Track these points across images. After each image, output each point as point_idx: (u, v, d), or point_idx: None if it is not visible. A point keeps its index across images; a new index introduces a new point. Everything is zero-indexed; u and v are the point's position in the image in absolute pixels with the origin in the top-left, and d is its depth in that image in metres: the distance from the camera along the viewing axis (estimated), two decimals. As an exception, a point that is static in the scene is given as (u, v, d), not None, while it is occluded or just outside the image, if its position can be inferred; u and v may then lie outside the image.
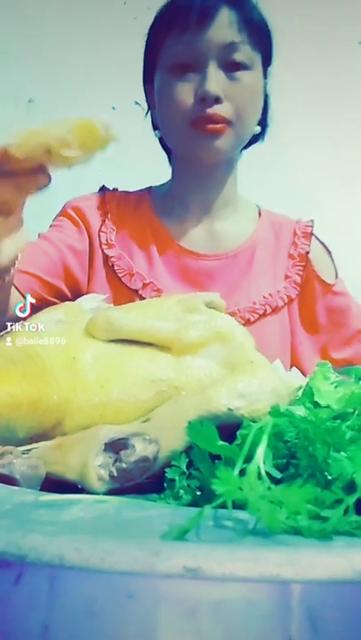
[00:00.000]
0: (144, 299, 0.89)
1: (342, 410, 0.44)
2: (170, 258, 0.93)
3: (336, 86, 1.56)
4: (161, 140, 0.98)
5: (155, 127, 0.96)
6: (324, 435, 0.38)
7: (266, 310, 0.92)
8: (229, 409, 0.46)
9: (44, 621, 0.31)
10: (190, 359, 0.53)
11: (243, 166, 0.97)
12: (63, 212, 0.97)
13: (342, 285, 0.99)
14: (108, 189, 1.00)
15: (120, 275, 0.92)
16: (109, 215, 0.95)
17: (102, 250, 0.93)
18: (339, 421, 0.41)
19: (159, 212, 0.97)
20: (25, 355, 0.52)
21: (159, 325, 0.55)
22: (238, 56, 0.83)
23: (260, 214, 1.00)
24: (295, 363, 0.95)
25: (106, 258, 0.93)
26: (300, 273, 0.95)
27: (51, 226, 0.97)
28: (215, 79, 0.82)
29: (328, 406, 0.45)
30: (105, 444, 0.44)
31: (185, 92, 0.84)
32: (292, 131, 1.45)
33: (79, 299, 0.65)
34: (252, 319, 0.90)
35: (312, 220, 1.00)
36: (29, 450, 0.47)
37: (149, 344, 0.54)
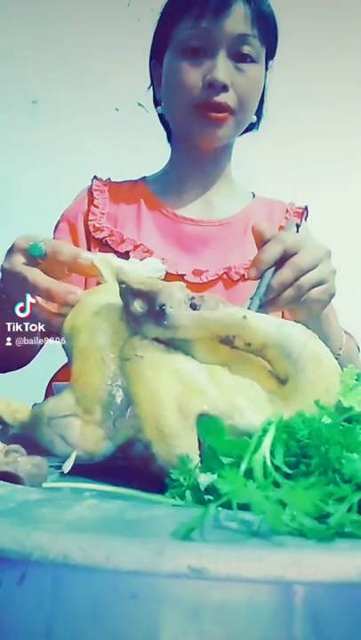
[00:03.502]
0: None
1: (356, 411, 0.44)
2: (165, 224, 0.97)
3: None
4: (161, 117, 1.02)
5: (156, 103, 1.00)
6: (337, 435, 0.39)
7: None
8: None
9: (47, 621, 0.31)
10: None
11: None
12: (59, 226, 1.01)
13: None
14: (99, 179, 1.04)
15: (112, 245, 0.95)
16: (96, 201, 0.99)
17: (94, 237, 0.97)
18: (353, 422, 0.42)
19: (154, 189, 1.01)
20: None
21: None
22: (247, 48, 0.88)
23: (253, 197, 1.05)
24: None
25: (99, 241, 0.96)
26: None
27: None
28: (224, 68, 0.86)
29: (351, 408, 0.45)
30: None
31: (193, 76, 0.87)
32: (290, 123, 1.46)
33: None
34: (247, 275, 0.92)
35: (306, 206, 1.03)
36: None
37: None
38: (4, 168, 1.56)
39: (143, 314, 0.49)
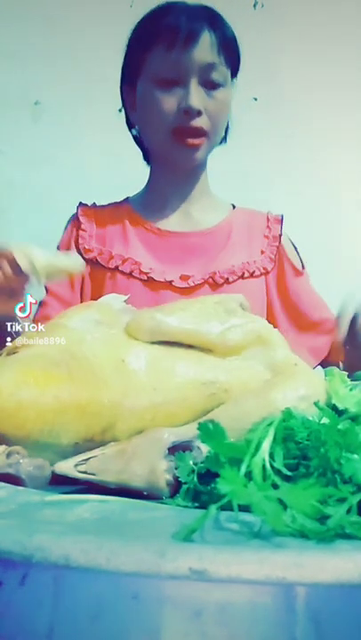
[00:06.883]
0: (125, 274, 0.98)
1: (356, 413, 0.44)
2: (150, 239, 1.02)
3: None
4: (135, 139, 1.08)
5: (130, 125, 1.07)
6: (336, 436, 0.39)
7: (244, 274, 1.00)
8: None
9: (49, 622, 0.31)
10: (236, 361, 0.54)
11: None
12: None
13: (308, 278, 1.08)
14: (85, 205, 1.09)
15: (102, 262, 1.00)
16: (83, 225, 1.05)
17: (85, 258, 1.01)
18: (351, 423, 0.42)
19: (137, 208, 1.07)
20: (69, 356, 0.51)
21: (204, 328, 0.55)
22: (215, 75, 0.95)
23: (233, 208, 1.10)
24: None
25: (90, 261, 1.01)
26: (275, 251, 1.05)
27: None
28: (197, 95, 0.94)
29: (346, 409, 0.45)
30: (167, 449, 0.44)
31: (169, 104, 0.95)
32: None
33: (105, 297, 0.64)
34: (231, 279, 0.99)
35: (282, 215, 1.09)
36: (87, 459, 0.46)
37: (191, 346, 0.54)
38: (7, 169, 1.56)
39: None
